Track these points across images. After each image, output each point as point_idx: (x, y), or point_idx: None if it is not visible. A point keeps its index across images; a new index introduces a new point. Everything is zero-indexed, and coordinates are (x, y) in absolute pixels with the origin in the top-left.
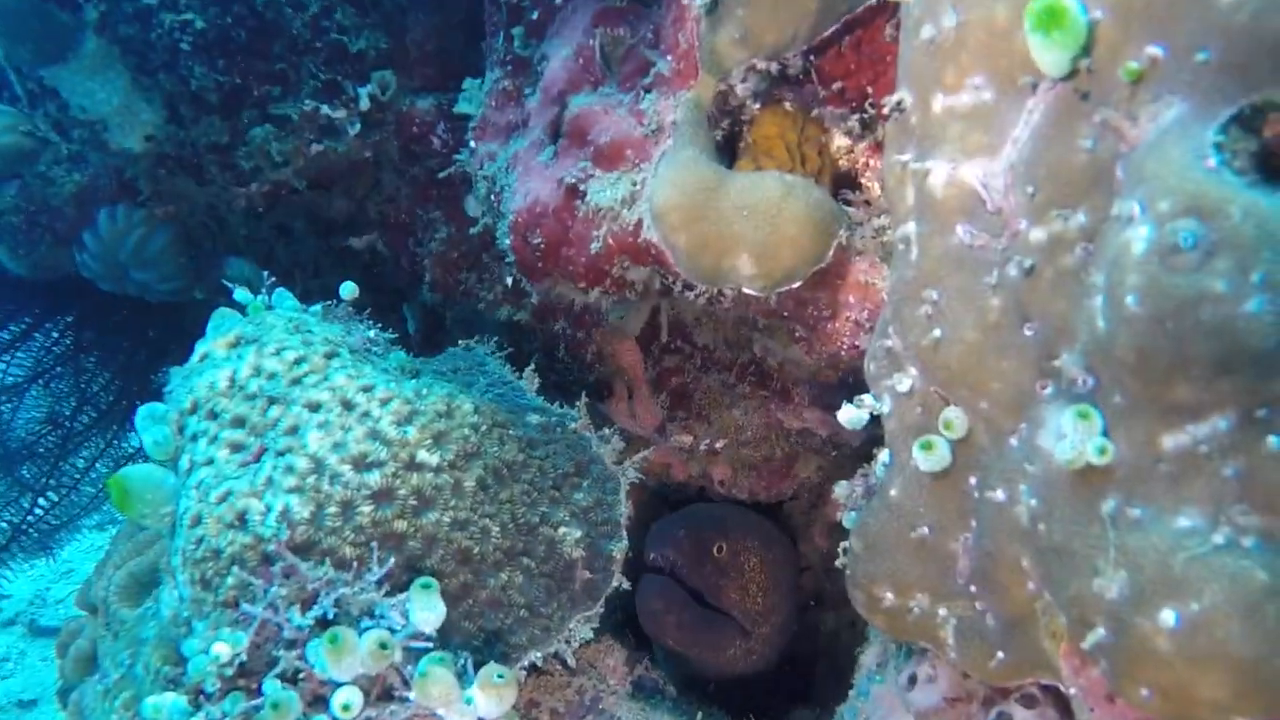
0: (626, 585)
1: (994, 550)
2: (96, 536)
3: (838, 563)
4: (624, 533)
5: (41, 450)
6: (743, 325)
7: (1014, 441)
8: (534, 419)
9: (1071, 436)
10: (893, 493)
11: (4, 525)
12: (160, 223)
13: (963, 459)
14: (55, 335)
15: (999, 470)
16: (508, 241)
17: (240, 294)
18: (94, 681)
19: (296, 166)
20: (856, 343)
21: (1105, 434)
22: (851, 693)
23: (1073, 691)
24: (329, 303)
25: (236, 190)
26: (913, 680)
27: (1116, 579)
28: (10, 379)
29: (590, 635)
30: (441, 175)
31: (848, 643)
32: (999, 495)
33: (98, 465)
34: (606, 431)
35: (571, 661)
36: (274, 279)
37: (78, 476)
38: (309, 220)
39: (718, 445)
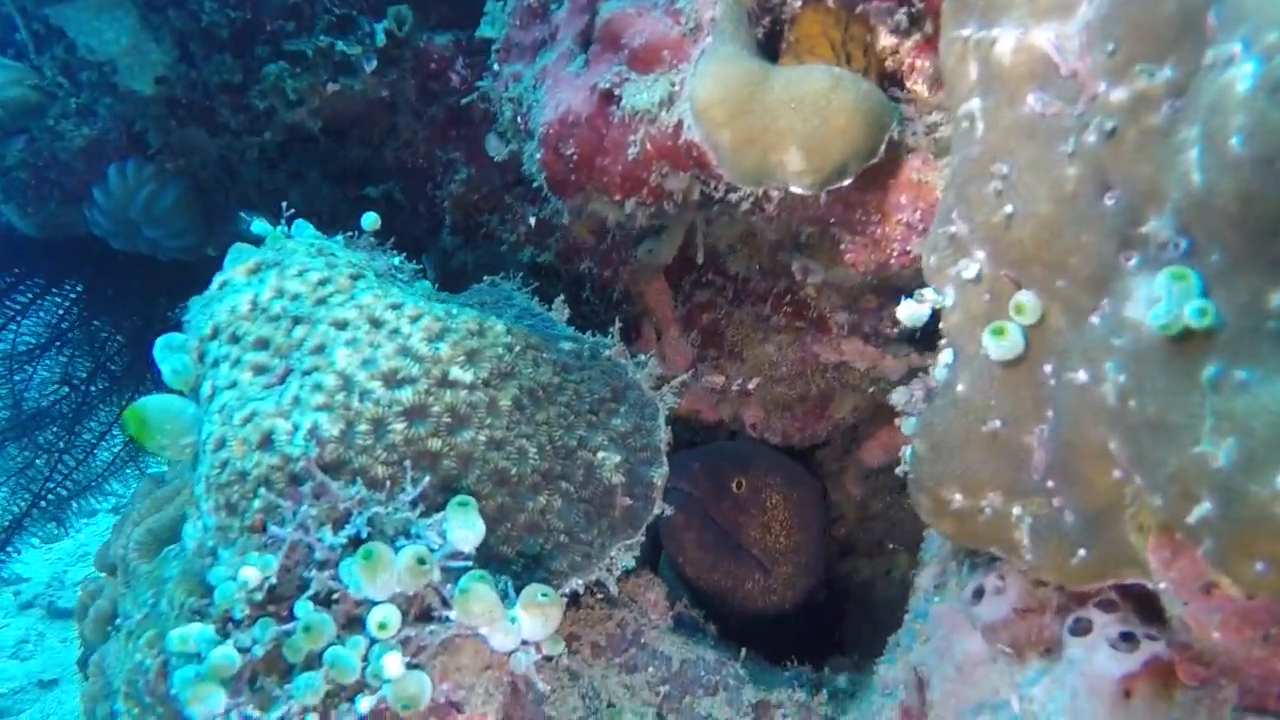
0: (669, 511)
1: (1074, 438)
2: (113, 520)
3: (898, 470)
4: (664, 459)
5: (57, 414)
6: (779, 250)
7: (1095, 320)
8: (567, 345)
9: (1166, 301)
10: (960, 388)
11: (23, 492)
12: (171, 177)
13: (1037, 345)
14: (69, 300)
15: (1079, 351)
16: (538, 156)
17: (258, 225)
18: (116, 636)
19: (312, 106)
20: (908, 248)
21: (1204, 295)
22: (907, 617)
23: (1163, 586)
24: (350, 234)
25: (249, 139)
26: (979, 594)
27: (1224, 446)
28: (23, 345)
29: (632, 564)
30: (464, 103)
31: (883, 592)
32: (1080, 376)
33: (114, 431)
34: (643, 357)
35: (614, 589)
36: (293, 211)
37: (94, 442)
38: (324, 168)
39: (750, 385)
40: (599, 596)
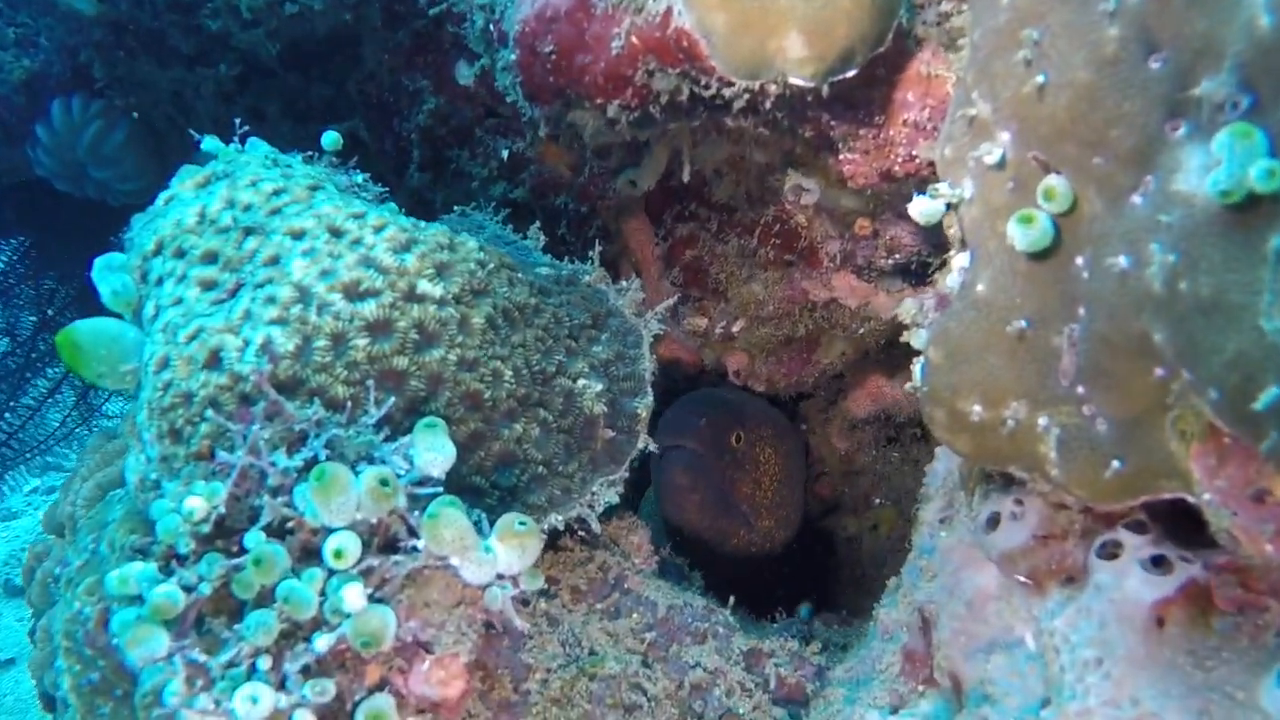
0: (653, 447)
1: (1111, 334)
2: None
3: (908, 386)
4: (649, 389)
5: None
6: (769, 174)
7: (1137, 199)
8: (544, 270)
9: (1228, 162)
10: (980, 288)
11: None
12: (121, 114)
13: (1068, 235)
14: (16, 254)
15: (1119, 234)
16: (513, 58)
17: (209, 142)
18: (60, 594)
19: (269, 28)
20: (914, 152)
21: (1271, 155)
22: (910, 555)
23: (1207, 498)
24: (309, 153)
25: (203, 71)
26: (993, 521)
27: None
28: None
29: (616, 500)
30: (433, 13)
31: (869, 548)
32: (1120, 263)
33: (64, 391)
34: (625, 284)
35: (596, 527)
36: (247, 129)
37: (41, 398)
38: (284, 105)
39: (734, 328)
40: (579, 535)
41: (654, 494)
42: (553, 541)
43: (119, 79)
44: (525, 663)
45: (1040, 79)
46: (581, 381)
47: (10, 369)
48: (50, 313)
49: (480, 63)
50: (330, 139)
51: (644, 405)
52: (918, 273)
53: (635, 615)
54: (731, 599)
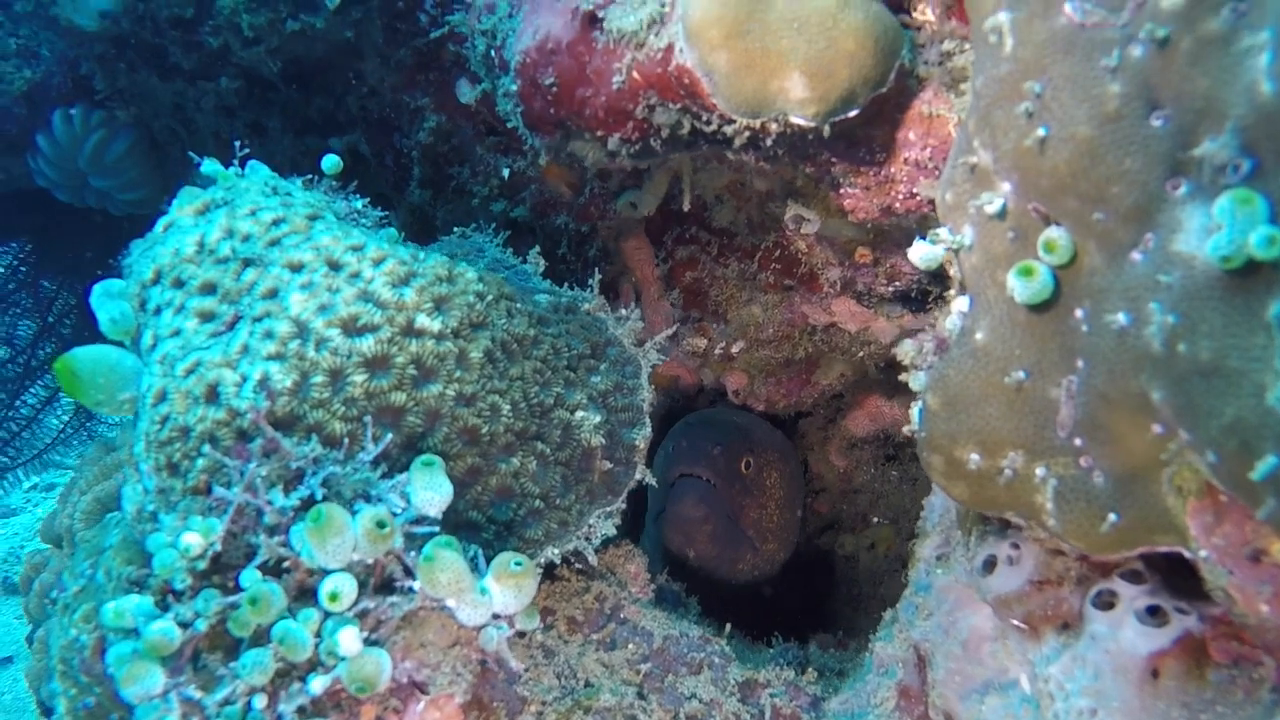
0: (650, 479)
1: (1109, 390)
2: None
3: (906, 429)
4: (647, 420)
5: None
6: (769, 201)
7: (1137, 256)
8: (543, 299)
9: (1228, 228)
10: (979, 336)
11: None
12: (122, 125)
13: (1068, 287)
14: (16, 259)
15: (1119, 291)
16: (514, 89)
17: (209, 165)
18: (54, 610)
19: (270, 45)
20: (915, 190)
21: (1271, 221)
22: (906, 591)
23: (1204, 555)
24: (309, 177)
25: (204, 85)
26: (989, 564)
27: None
28: None
29: (613, 532)
30: (434, 36)
31: (867, 566)
32: (1119, 320)
33: (63, 398)
34: (624, 312)
35: (593, 560)
36: (247, 150)
37: (39, 407)
38: (285, 119)
39: (734, 349)
40: (576, 568)
41: (655, 521)
42: (549, 571)
43: (120, 91)
44: (520, 695)
45: (1041, 132)
46: (580, 413)
47: (8, 376)
48: (50, 319)
49: (482, 86)
50: (330, 163)
51: (642, 436)
52: (918, 299)
53: (631, 646)
54: (728, 626)
